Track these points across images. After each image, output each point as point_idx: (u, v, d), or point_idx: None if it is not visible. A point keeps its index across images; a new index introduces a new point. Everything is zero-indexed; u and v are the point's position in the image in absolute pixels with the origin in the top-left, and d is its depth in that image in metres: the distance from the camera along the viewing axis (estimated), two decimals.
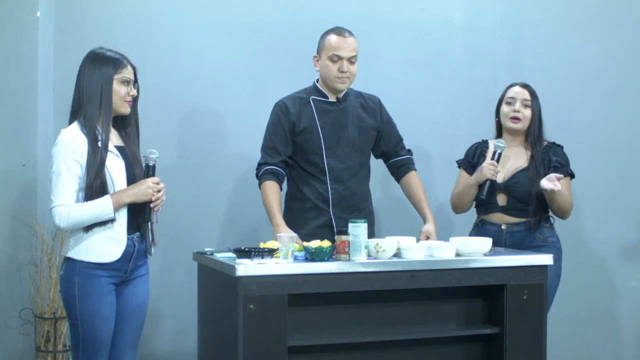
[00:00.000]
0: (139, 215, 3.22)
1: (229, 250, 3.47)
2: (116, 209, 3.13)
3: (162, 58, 4.40)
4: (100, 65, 3.20)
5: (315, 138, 3.83)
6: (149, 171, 3.22)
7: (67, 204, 3.11)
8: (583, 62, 4.84)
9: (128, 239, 3.19)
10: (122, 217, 3.18)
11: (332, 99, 3.88)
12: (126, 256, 3.20)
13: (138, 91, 3.30)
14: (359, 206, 3.88)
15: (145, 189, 3.17)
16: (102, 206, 3.11)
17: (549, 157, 3.95)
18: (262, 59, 4.53)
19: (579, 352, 4.81)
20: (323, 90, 3.88)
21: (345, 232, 3.28)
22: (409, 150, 4.05)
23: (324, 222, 3.83)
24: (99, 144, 3.14)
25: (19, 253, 4.21)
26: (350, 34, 3.81)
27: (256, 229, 4.41)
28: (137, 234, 3.25)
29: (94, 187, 3.11)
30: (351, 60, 3.79)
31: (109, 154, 3.17)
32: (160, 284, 4.22)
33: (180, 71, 4.44)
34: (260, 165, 3.86)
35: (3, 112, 4.19)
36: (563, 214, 3.97)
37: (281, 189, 3.84)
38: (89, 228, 3.14)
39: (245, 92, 4.51)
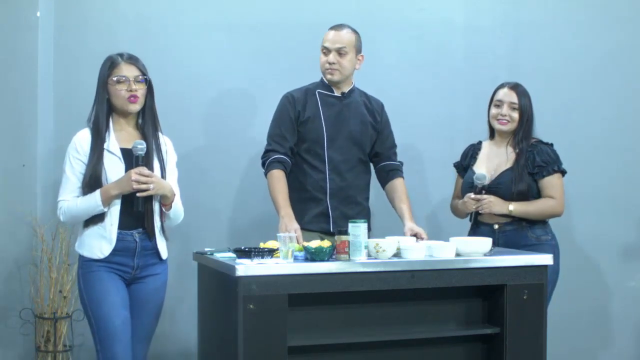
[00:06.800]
0: (132, 206, 3.26)
1: (229, 250, 3.47)
2: (104, 200, 3.21)
3: (162, 58, 4.40)
4: (101, 68, 3.35)
5: (318, 128, 3.86)
6: (138, 162, 3.25)
7: (67, 199, 3.26)
8: (583, 62, 4.83)
9: (128, 234, 3.27)
10: (114, 215, 3.25)
11: (337, 93, 3.92)
12: (126, 251, 3.27)
13: (150, 85, 3.36)
14: (355, 199, 3.90)
15: (127, 179, 3.22)
16: (91, 199, 3.22)
17: (533, 157, 3.93)
18: (262, 59, 4.53)
19: (579, 352, 4.81)
20: (329, 85, 3.91)
21: (345, 232, 3.28)
22: (400, 162, 4.06)
23: (320, 211, 3.85)
24: (104, 145, 3.27)
25: (19, 253, 4.21)
26: (347, 28, 3.85)
27: (256, 229, 4.40)
28: (140, 229, 3.29)
29: (89, 184, 3.23)
30: (340, 52, 3.83)
31: (110, 155, 3.27)
32: None
33: (180, 71, 4.44)
34: (267, 152, 3.85)
35: (3, 112, 4.20)
36: (551, 216, 3.96)
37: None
38: (86, 224, 3.28)
39: (245, 92, 4.51)
